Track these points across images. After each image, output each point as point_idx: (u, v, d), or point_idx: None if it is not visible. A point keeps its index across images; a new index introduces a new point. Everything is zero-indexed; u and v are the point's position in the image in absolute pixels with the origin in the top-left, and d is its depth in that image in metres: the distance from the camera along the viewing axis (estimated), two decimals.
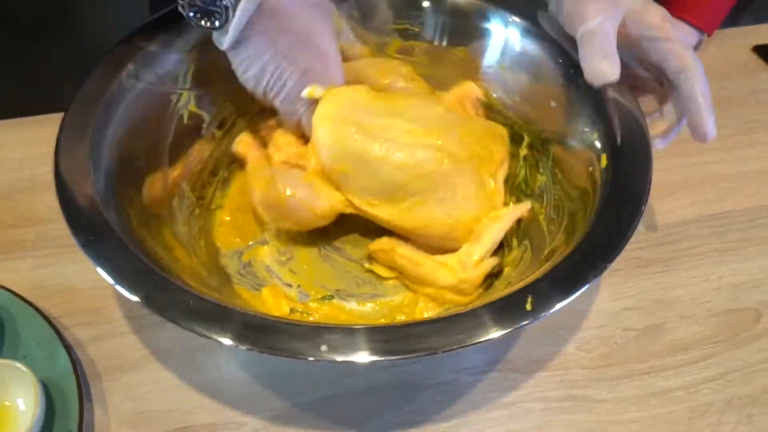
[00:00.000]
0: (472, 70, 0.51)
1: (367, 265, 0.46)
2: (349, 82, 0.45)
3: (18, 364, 0.37)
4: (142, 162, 0.43)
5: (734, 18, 0.78)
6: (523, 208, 0.43)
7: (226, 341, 0.30)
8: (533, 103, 0.48)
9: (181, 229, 0.44)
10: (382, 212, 0.42)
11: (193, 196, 0.47)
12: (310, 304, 0.43)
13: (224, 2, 0.38)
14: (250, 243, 0.47)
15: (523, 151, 0.48)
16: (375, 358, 0.29)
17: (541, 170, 0.47)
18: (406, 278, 0.44)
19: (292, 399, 0.40)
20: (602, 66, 0.41)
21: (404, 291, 0.44)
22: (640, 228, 0.51)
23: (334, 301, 0.44)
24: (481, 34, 0.50)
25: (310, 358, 0.29)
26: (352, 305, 0.43)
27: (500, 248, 0.44)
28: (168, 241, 0.41)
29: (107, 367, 0.41)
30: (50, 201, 0.51)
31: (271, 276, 0.45)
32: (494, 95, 0.50)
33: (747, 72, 0.67)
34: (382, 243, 0.44)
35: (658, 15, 0.43)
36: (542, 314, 0.31)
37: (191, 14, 0.39)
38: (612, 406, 0.40)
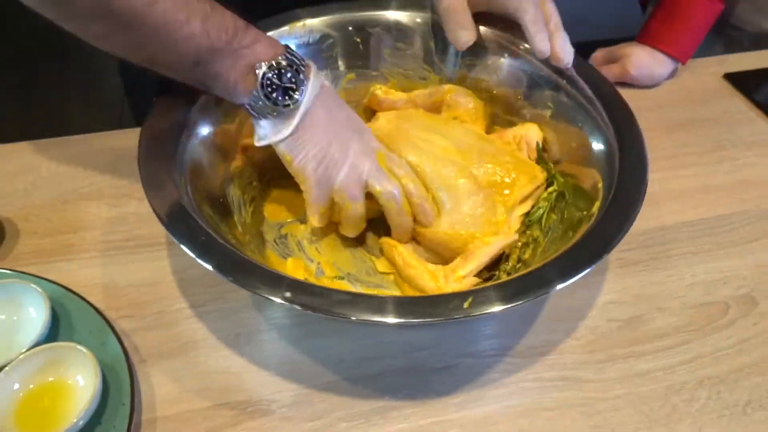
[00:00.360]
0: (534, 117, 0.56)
1: (372, 257, 0.52)
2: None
3: (79, 347, 0.42)
4: (216, 156, 0.50)
5: (707, 48, 0.85)
6: (509, 239, 0.48)
7: (282, 301, 0.36)
8: (573, 160, 0.52)
9: (235, 191, 0.51)
10: None
11: (255, 172, 0.54)
12: (323, 280, 0.49)
13: (300, 76, 0.42)
14: (290, 220, 0.54)
15: (550, 197, 0.52)
16: (402, 320, 0.35)
17: (556, 212, 0.51)
18: (398, 275, 0.50)
19: (316, 380, 0.45)
20: (461, 35, 0.52)
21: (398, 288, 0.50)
22: (632, 230, 0.57)
23: (344, 281, 0.50)
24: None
25: (353, 318, 0.35)
26: (357, 289, 0.49)
27: (499, 261, 0.50)
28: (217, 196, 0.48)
29: (149, 353, 0.47)
30: (93, 210, 0.57)
31: (299, 249, 0.52)
32: (549, 144, 0.54)
33: (718, 97, 0.74)
34: (389, 239, 0.50)
35: None
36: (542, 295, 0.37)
37: (268, 92, 0.42)
38: (598, 384, 0.46)
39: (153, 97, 0.49)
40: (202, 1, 0.40)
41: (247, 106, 0.43)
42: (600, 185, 0.46)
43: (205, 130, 0.49)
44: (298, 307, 0.36)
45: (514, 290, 0.38)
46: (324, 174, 0.45)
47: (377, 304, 0.37)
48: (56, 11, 0.37)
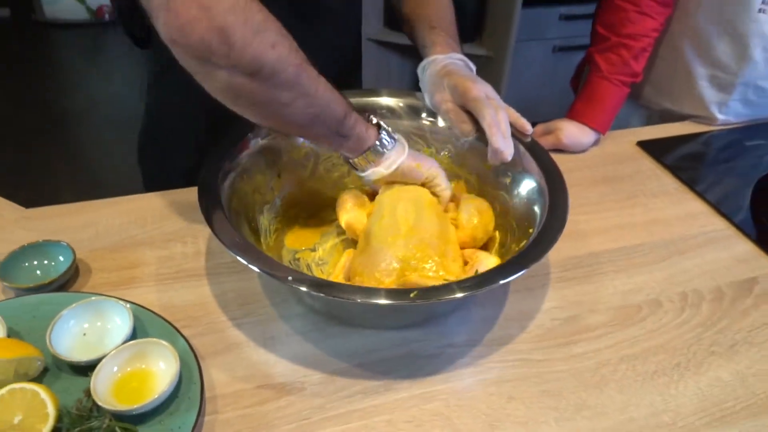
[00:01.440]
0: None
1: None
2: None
3: (161, 341, 0.56)
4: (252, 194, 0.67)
5: (624, 122, 1.07)
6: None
7: (308, 290, 0.51)
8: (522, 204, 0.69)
9: (263, 221, 0.68)
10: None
11: (281, 208, 0.70)
12: None
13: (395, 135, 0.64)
14: (304, 248, 0.70)
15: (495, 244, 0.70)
16: (398, 302, 0.51)
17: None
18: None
19: (335, 366, 0.60)
20: (464, 127, 0.69)
21: None
22: (566, 256, 0.74)
23: None
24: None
25: (359, 300, 0.51)
26: None
27: None
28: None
29: (206, 352, 0.60)
30: (147, 252, 0.72)
31: (308, 269, 0.68)
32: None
33: (633, 159, 0.94)
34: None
35: (471, 87, 0.68)
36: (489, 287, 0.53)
37: (384, 136, 0.63)
38: (546, 363, 0.61)
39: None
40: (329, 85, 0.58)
41: (371, 151, 0.63)
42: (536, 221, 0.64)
43: (243, 175, 0.67)
44: (318, 293, 0.52)
45: (470, 284, 0.54)
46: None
47: (363, 291, 0.53)
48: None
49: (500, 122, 0.67)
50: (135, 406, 0.51)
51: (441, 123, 0.76)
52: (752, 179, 0.91)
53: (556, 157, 0.72)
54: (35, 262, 0.67)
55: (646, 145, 0.97)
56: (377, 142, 0.63)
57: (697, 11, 0.94)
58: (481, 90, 0.68)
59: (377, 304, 0.52)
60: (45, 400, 0.51)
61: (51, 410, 0.50)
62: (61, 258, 0.68)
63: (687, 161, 0.95)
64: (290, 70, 0.53)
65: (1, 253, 0.67)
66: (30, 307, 0.61)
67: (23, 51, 3.42)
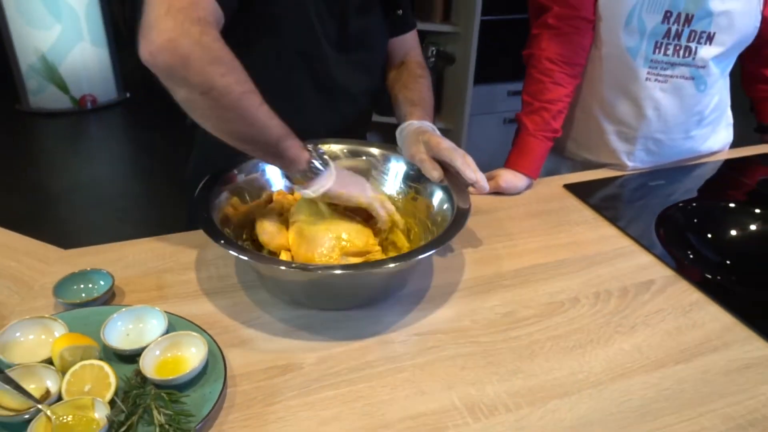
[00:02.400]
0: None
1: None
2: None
3: (192, 332, 0.72)
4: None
5: (555, 170, 1.30)
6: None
7: (288, 269, 0.70)
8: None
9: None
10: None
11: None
12: None
13: (325, 156, 0.83)
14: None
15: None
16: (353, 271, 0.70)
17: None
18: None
19: (324, 351, 0.76)
20: (435, 174, 0.88)
21: None
22: (506, 269, 0.93)
23: None
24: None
25: (336, 272, 0.69)
26: None
27: None
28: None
29: (224, 345, 0.76)
30: (169, 277, 0.89)
31: None
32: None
33: (559, 198, 1.16)
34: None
35: (441, 141, 0.90)
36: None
37: (314, 162, 0.81)
38: (490, 343, 0.79)
39: None
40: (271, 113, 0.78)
41: (301, 173, 0.81)
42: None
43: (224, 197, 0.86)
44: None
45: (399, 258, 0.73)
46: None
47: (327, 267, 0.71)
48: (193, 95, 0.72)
49: (469, 163, 0.88)
50: (175, 377, 0.67)
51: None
52: (656, 211, 1.13)
53: (498, 198, 0.93)
54: (81, 286, 0.84)
55: (571, 187, 1.19)
56: (307, 167, 0.81)
57: (601, 81, 1.19)
58: (450, 143, 0.90)
59: (340, 274, 0.71)
60: (108, 373, 0.66)
61: (112, 380, 0.66)
62: (101, 282, 0.84)
63: (605, 200, 1.17)
64: (233, 96, 0.73)
65: (52, 281, 0.83)
66: (82, 316, 0.77)
67: (8, 140, 3.60)
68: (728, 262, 0.97)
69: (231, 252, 0.74)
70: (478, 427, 0.67)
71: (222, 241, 0.76)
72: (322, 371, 0.74)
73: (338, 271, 0.75)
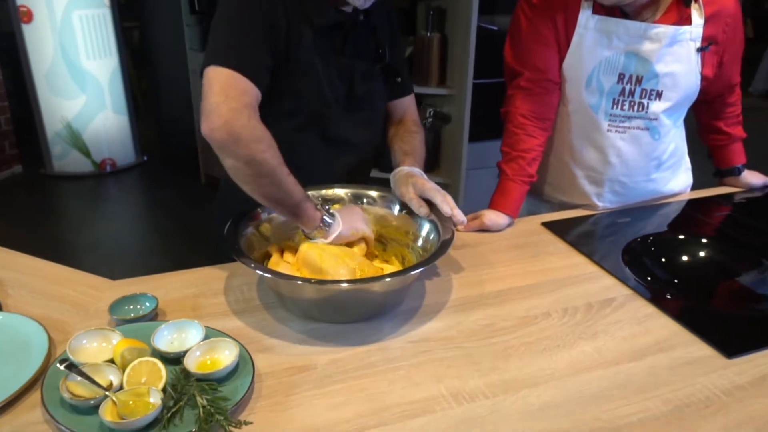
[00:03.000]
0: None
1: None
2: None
3: (226, 338, 0.88)
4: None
5: (535, 211, 1.47)
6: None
7: (303, 283, 0.87)
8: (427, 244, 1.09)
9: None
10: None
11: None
12: None
13: (331, 211, 1.02)
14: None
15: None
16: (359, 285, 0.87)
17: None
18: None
19: (333, 355, 0.92)
20: (422, 210, 1.06)
21: None
22: (488, 291, 1.09)
23: None
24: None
25: (344, 285, 0.86)
26: None
27: None
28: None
29: (253, 350, 0.92)
30: (204, 301, 1.05)
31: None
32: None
33: (537, 234, 1.33)
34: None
35: (426, 183, 1.08)
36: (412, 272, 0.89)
37: (325, 218, 1.01)
38: (473, 348, 0.94)
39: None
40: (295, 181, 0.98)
41: (315, 228, 1.00)
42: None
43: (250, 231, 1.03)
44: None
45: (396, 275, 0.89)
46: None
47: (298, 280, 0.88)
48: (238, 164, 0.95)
49: (448, 201, 1.06)
50: (213, 371, 0.83)
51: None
52: (622, 244, 1.29)
53: (482, 234, 1.12)
54: (131, 306, 1.00)
55: (547, 225, 1.36)
56: (321, 224, 1.02)
57: (570, 132, 1.38)
58: (434, 185, 1.08)
59: (347, 287, 0.88)
60: (160, 368, 0.82)
61: (164, 374, 0.82)
62: (147, 303, 1.01)
63: (578, 236, 1.33)
64: (269, 167, 0.96)
65: (105, 304, 1.00)
66: (133, 329, 0.93)
67: (33, 201, 3.82)
68: (676, 281, 1.13)
69: (258, 272, 0.91)
70: (461, 410, 0.82)
71: (252, 265, 0.93)
72: (332, 370, 0.89)
73: (346, 285, 0.91)
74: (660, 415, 0.82)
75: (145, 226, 3.56)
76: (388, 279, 0.92)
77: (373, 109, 1.28)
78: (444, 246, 1.00)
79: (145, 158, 4.36)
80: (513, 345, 0.96)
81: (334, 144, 1.21)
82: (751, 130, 1.62)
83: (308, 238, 1.05)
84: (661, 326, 1.01)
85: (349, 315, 0.99)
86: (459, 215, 1.05)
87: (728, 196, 1.55)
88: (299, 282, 0.95)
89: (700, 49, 1.28)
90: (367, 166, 1.36)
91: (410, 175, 1.12)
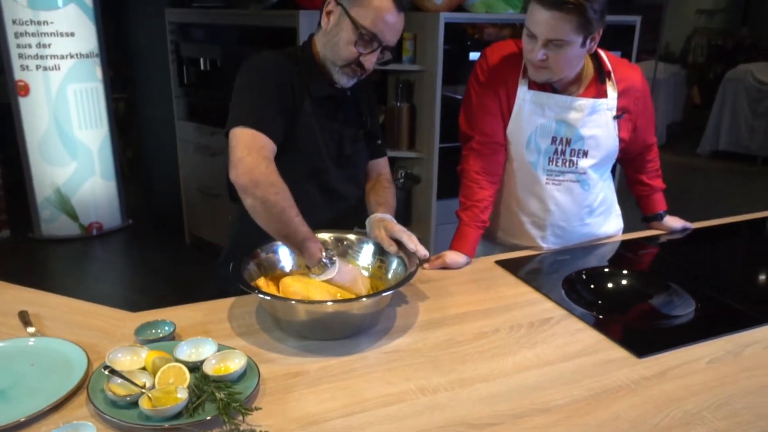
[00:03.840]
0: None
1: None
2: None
3: (236, 350, 1.09)
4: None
5: (489, 252, 1.72)
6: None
7: (296, 303, 1.09)
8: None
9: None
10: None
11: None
12: None
13: (334, 257, 1.25)
14: None
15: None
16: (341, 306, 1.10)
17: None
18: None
19: (323, 363, 1.13)
20: (392, 249, 1.30)
21: None
22: (451, 314, 1.32)
23: None
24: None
25: (330, 306, 1.08)
26: None
27: None
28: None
29: (256, 361, 1.12)
30: (210, 327, 1.26)
31: None
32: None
33: (491, 270, 1.57)
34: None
35: (395, 225, 1.33)
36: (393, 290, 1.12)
37: (324, 260, 1.24)
38: (436, 356, 1.16)
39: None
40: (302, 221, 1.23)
41: (315, 265, 1.23)
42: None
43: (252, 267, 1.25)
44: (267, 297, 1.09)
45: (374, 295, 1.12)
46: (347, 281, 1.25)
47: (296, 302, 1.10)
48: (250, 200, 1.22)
49: (413, 239, 1.30)
50: (227, 374, 1.03)
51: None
52: (562, 276, 1.53)
53: (444, 271, 1.37)
54: (152, 330, 1.20)
55: (500, 263, 1.60)
56: (320, 262, 1.24)
57: (515, 185, 1.65)
58: (402, 227, 1.33)
59: (331, 305, 1.10)
60: (185, 371, 1.02)
61: (188, 376, 1.02)
62: (166, 327, 1.21)
63: (527, 271, 1.58)
64: (280, 207, 1.20)
65: (129, 330, 1.20)
66: (157, 346, 1.13)
67: (21, 264, 3.96)
68: (600, 303, 1.38)
69: (260, 296, 1.13)
70: (426, 399, 1.04)
71: (256, 291, 1.15)
72: (321, 374, 1.10)
73: (331, 305, 1.14)
74: (581, 398, 1.05)
75: (131, 285, 3.72)
76: (365, 299, 1.15)
77: (358, 167, 1.54)
78: (410, 275, 1.24)
79: (131, 221, 4.54)
80: (468, 353, 1.18)
81: (328, 195, 1.46)
82: (699, 186, 1.93)
83: (310, 272, 1.27)
84: (588, 337, 1.24)
85: (335, 333, 1.21)
86: (422, 250, 1.29)
87: (653, 238, 1.82)
88: (293, 303, 1.16)
89: (616, 117, 1.57)
90: (352, 216, 1.59)
91: (382, 220, 1.36)
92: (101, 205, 4.33)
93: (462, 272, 1.56)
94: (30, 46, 3.82)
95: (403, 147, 3.18)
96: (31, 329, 1.22)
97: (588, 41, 1.42)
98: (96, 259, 4.15)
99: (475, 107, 1.61)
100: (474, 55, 3.01)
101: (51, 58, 3.87)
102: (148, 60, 4.21)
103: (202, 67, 3.70)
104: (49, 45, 3.85)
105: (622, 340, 1.22)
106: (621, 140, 1.60)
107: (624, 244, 1.78)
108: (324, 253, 1.25)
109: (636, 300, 1.44)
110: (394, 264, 1.34)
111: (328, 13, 1.35)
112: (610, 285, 1.49)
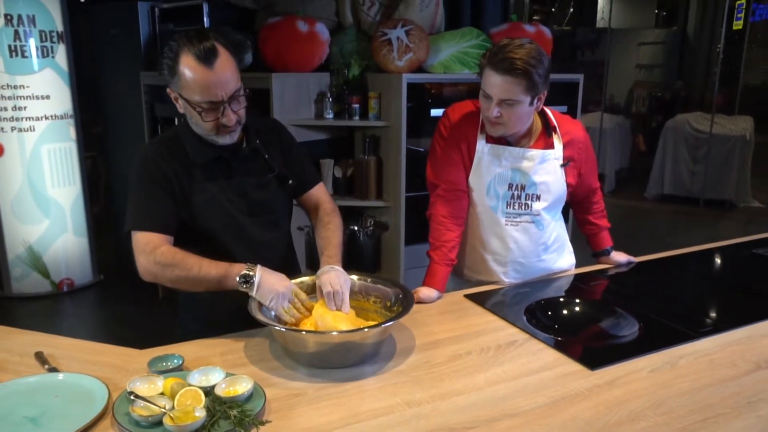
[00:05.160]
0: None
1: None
2: None
3: (243, 375, 1.23)
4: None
5: (459, 288, 1.91)
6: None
7: (303, 332, 1.25)
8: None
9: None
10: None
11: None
12: None
13: (252, 272, 1.40)
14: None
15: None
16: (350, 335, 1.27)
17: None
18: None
19: (322, 385, 1.28)
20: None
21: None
22: (429, 340, 1.49)
23: None
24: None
25: (334, 334, 1.24)
26: None
27: None
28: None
29: (264, 385, 1.27)
30: (216, 359, 1.40)
31: None
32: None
33: (461, 302, 1.75)
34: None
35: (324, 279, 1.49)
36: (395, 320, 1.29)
37: (242, 281, 1.39)
38: (416, 375, 1.32)
39: None
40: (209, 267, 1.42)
41: (241, 287, 1.40)
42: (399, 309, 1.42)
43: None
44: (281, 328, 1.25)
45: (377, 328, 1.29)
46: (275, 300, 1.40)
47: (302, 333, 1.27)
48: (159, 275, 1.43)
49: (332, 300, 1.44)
50: (236, 395, 1.17)
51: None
52: (524, 306, 1.73)
53: (418, 306, 1.55)
54: (164, 363, 1.33)
55: (469, 296, 1.79)
56: (240, 284, 1.39)
57: (479, 227, 1.85)
58: (327, 280, 1.47)
59: (336, 339, 1.26)
60: (200, 394, 1.16)
61: (203, 398, 1.16)
62: (175, 360, 1.34)
63: (492, 303, 1.76)
64: (182, 276, 1.43)
65: (140, 365, 1.33)
66: (170, 376, 1.26)
67: None
68: (557, 326, 1.57)
69: (276, 327, 1.29)
70: (411, 411, 1.20)
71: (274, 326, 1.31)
72: (319, 394, 1.25)
73: (335, 334, 1.30)
74: (544, 404, 1.22)
75: (105, 338, 3.75)
76: (366, 329, 1.33)
77: (276, 212, 1.62)
78: (408, 307, 1.41)
79: (102, 277, 4.58)
80: (445, 372, 1.35)
81: (248, 244, 1.55)
82: (647, 227, 2.17)
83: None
84: (548, 355, 1.43)
85: (338, 362, 1.35)
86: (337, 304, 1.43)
87: (602, 271, 2.05)
88: (303, 333, 1.34)
89: (563, 165, 1.81)
90: (285, 260, 1.65)
91: (320, 274, 1.49)
92: (72, 261, 4.37)
93: (435, 305, 1.74)
94: (6, 109, 3.93)
95: (371, 197, 3.39)
96: (48, 367, 1.33)
97: (535, 100, 1.67)
98: (67, 315, 4.17)
99: (440, 159, 1.83)
100: (435, 111, 3.27)
101: (26, 120, 3.99)
102: (121, 119, 4.35)
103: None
104: (25, 108, 3.97)
105: (577, 356, 1.41)
106: (568, 185, 1.84)
107: (577, 276, 1.99)
108: (237, 279, 1.40)
109: (588, 323, 1.64)
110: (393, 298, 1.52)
111: (175, 100, 1.46)
112: (565, 312, 1.69)
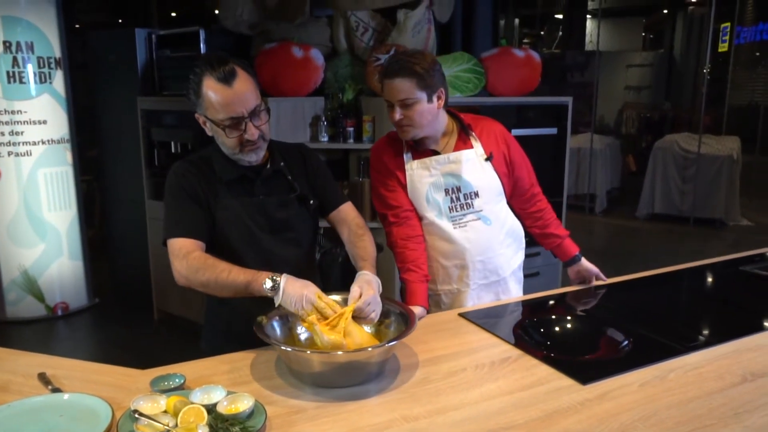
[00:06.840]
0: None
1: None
2: None
3: (245, 393, 1.26)
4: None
5: (450, 305, 1.95)
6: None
7: (308, 353, 1.29)
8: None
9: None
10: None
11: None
12: None
13: (278, 278, 1.44)
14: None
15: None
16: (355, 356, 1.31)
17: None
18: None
19: (321, 403, 1.31)
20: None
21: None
22: (425, 358, 1.52)
23: None
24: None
25: (340, 352, 1.28)
26: None
27: None
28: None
29: (265, 402, 1.30)
30: (219, 378, 1.43)
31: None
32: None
33: (455, 320, 1.79)
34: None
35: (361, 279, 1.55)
36: (396, 340, 1.33)
37: (268, 287, 1.43)
38: (415, 392, 1.36)
39: None
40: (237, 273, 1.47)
41: (267, 294, 1.43)
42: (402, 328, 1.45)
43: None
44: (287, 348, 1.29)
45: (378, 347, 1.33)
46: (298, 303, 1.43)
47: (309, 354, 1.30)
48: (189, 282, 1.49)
49: (361, 299, 1.48)
50: (238, 413, 1.20)
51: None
52: (515, 323, 1.77)
53: None
54: (166, 383, 1.36)
55: (462, 314, 1.83)
56: (265, 289, 1.43)
57: (432, 239, 1.91)
58: (366, 281, 1.53)
59: (340, 358, 1.30)
60: (203, 411, 1.19)
61: (205, 416, 1.19)
62: (177, 380, 1.37)
63: (486, 321, 1.80)
64: (212, 281, 1.49)
65: (143, 384, 1.36)
66: (172, 395, 1.29)
67: None
68: (549, 343, 1.61)
69: (283, 347, 1.33)
70: (409, 425, 1.23)
71: (279, 345, 1.34)
72: (319, 412, 1.29)
73: (341, 353, 1.34)
74: (537, 418, 1.26)
75: (100, 361, 3.75)
76: (370, 349, 1.37)
77: (297, 230, 1.70)
78: (410, 327, 1.44)
79: (97, 300, 4.59)
80: (441, 388, 1.38)
81: (268, 260, 1.60)
82: (639, 246, 2.22)
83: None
84: (541, 371, 1.47)
85: (343, 381, 1.38)
86: (359, 305, 1.46)
87: (593, 289, 2.09)
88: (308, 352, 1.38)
89: (487, 159, 1.90)
90: (305, 278, 1.67)
91: (359, 276, 1.57)
92: (67, 285, 4.38)
93: (430, 324, 1.78)
94: (3, 134, 3.98)
95: (366, 218, 3.43)
96: (51, 387, 1.36)
97: (434, 98, 1.79)
98: (62, 338, 4.17)
99: (381, 191, 1.94)
100: None
101: (23, 144, 4.03)
102: (118, 143, 4.40)
103: (173, 150, 3.91)
104: (22, 132, 4.02)
105: (569, 371, 1.45)
106: (501, 176, 1.93)
107: (568, 294, 2.04)
108: (264, 284, 1.43)
109: (579, 339, 1.69)
110: (394, 320, 1.55)
111: (204, 123, 1.58)
112: (557, 329, 1.74)
